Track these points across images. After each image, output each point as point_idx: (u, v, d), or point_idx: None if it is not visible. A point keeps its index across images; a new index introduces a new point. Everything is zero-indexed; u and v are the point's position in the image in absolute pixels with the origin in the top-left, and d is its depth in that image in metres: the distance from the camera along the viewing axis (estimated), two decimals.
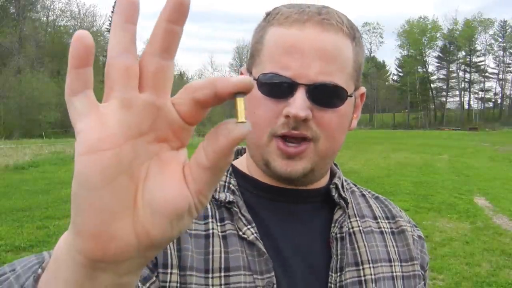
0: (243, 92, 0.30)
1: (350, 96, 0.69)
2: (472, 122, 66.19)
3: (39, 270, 0.42)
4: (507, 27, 71.02)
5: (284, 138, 0.67)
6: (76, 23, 55.86)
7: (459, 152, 20.46)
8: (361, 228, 0.77)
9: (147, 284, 0.61)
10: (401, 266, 0.77)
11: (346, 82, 0.67)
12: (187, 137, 0.32)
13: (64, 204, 7.90)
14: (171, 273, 0.64)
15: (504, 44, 71.93)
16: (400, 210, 0.86)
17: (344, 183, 0.81)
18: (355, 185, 0.86)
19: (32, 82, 38.85)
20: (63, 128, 40.57)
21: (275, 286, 0.66)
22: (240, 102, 0.31)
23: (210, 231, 0.69)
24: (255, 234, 0.68)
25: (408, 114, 72.21)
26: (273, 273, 0.67)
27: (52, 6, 56.52)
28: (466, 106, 72.88)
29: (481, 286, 4.56)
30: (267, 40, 0.68)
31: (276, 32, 0.67)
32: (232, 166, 0.78)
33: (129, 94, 0.29)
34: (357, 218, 0.78)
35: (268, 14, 0.72)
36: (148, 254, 0.31)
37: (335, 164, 0.83)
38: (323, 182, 0.77)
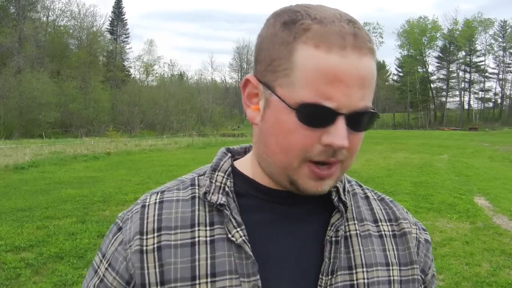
0: None
1: (378, 116, 0.69)
2: (472, 122, 66.18)
3: None
4: (507, 27, 71.05)
5: (318, 162, 0.66)
6: (76, 23, 55.87)
7: (459, 152, 20.46)
8: (358, 231, 0.76)
9: None
10: (399, 270, 0.76)
11: (372, 100, 0.68)
12: None
13: (64, 204, 7.90)
14: None
15: (504, 44, 71.92)
16: (407, 212, 0.85)
17: (347, 185, 0.80)
18: (360, 186, 0.84)
19: (32, 82, 38.77)
20: (63, 128, 40.57)
21: None
22: None
23: (196, 239, 0.69)
24: (243, 237, 0.68)
25: (408, 114, 72.17)
26: (258, 276, 0.67)
27: (52, 6, 56.55)
28: (466, 106, 72.90)
29: (481, 286, 4.56)
30: (300, 61, 0.63)
31: (314, 56, 0.62)
32: (232, 166, 0.77)
33: None
34: (355, 222, 0.77)
35: (288, 22, 0.64)
36: None
37: None
38: None
